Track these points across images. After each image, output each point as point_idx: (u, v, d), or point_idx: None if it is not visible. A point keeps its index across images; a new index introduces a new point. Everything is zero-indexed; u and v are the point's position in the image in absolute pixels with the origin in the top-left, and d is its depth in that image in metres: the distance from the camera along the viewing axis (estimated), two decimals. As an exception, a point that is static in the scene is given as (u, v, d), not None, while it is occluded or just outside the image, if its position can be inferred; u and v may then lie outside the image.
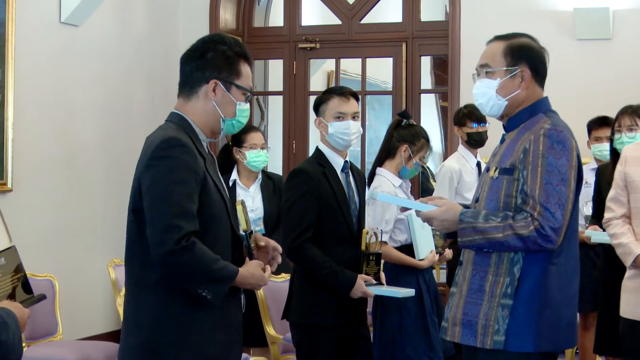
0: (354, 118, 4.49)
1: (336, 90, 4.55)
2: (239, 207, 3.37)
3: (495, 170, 3.37)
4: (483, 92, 3.44)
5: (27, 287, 3.16)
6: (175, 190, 3.08)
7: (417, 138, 5.09)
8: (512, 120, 3.44)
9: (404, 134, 5.10)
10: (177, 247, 3.04)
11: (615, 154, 5.26)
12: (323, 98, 4.55)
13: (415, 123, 5.24)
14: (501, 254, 3.31)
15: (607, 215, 4.67)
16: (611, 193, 4.67)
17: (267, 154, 6.11)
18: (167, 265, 3.09)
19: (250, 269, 3.27)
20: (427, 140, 5.15)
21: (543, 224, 3.21)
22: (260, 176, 6.12)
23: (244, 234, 3.35)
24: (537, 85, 3.44)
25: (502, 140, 3.47)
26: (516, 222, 3.24)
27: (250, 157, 5.99)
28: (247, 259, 3.33)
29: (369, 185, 5.07)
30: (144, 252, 3.15)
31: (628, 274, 4.59)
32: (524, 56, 3.41)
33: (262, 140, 6.07)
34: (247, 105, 3.37)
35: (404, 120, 5.14)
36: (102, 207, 7.69)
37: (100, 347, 6.15)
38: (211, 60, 3.29)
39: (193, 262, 3.08)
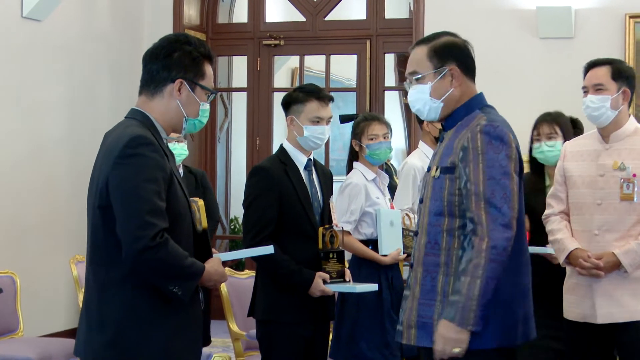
0: (327, 122, 4.50)
1: (315, 93, 4.47)
2: (194, 206, 3.38)
3: (437, 169, 3.35)
4: (417, 98, 3.42)
5: None
6: (146, 187, 3.08)
7: (356, 127, 5.17)
8: (450, 119, 3.42)
9: (352, 133, 5.19)
10: (152, 243, 3.04)
11: (534, 164, 5.06)
12: (299, 98, 4.47)
13: (355, 114, 5.35)
14: (449, 253, 3.27)
15: (546, 211, 4.59)
16: (551, 189, 4.64)
17: (184, 147, 5.98)
18: (141, 262, 3.07)
19: (214, 265, 3.29)
20: (367, 118, 5.20)
21: (491, 227, 3.15)
22: (181, 170, 6.00)
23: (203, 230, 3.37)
24: (468, 80, 3.42)
25: (442, 139, 3.44)
26: (471, 261, 3.17)
27: None
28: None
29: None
30: (110, 249, 3.14)
31: (567, 273, 4.51)
32: (450, 55, 3.39)
33: (176, 134, 5.95)
34: (208, 106, 3.42)
35: (351, 122, 5.24)
36: (65, 203, 7.64)
37: (62, 344, 6.11)
38: (177, 60, 3.29)
39: (167, 258, 3.08)
